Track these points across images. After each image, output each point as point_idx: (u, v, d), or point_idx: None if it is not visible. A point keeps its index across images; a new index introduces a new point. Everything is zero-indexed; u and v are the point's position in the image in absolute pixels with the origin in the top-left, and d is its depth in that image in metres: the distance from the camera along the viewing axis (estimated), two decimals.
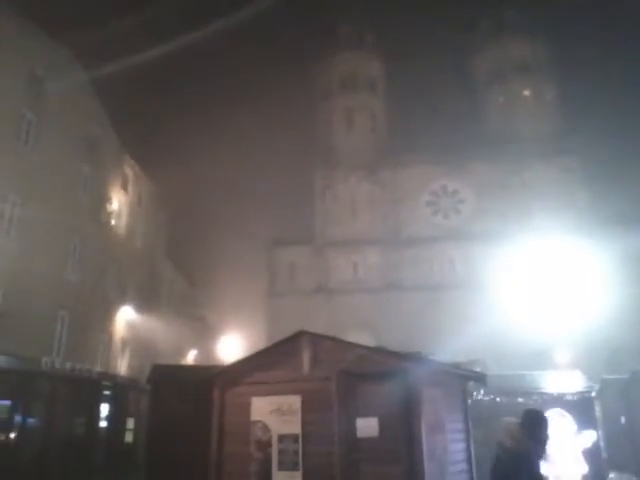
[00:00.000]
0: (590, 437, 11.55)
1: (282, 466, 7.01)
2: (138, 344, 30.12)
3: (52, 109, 21.32)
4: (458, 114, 43.22)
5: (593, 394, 12.78)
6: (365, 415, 6.62)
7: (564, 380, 14.82)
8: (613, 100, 46.03)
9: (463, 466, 7.47)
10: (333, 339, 7.30)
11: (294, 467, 6.91)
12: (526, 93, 41.91)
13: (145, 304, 30.82)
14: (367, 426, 6.56)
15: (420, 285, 38.11)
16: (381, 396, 6.60)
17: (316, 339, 7.26)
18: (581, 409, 12.01)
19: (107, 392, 18.45)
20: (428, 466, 6.23)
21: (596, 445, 11.59)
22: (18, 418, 15.31)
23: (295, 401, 7.10)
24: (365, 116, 43.08)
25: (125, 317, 28.29)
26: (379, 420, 6.52)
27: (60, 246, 21.77)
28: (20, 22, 19.81)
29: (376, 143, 42.56)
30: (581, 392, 12.69)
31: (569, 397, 12.39)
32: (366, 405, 6.65)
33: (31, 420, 15.43)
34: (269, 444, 7.17)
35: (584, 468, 11.40)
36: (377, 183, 41.03)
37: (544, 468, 11.30)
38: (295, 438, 7.00)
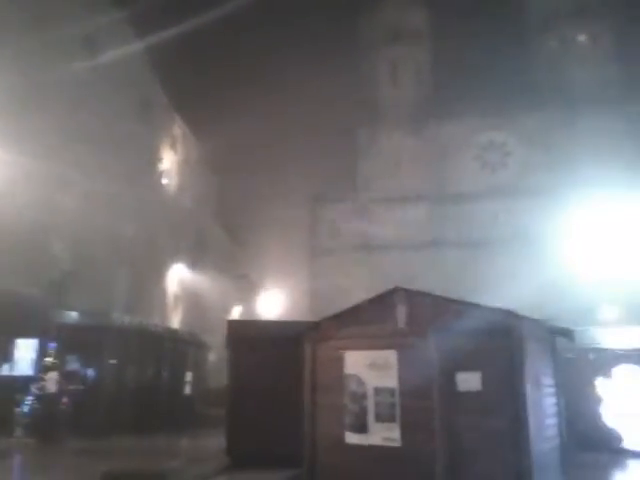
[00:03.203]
0: None
1: (379, 417, 7.15)
2: (189, 300, 30.92)
3: (105, 70, 21.39)
4: (507, 63, 41.59)
5: None
6: (465, 369, 6.65)
7: (627, 336, 14.66)
8: None
9: (554, 420, 7.51)
10: (430, 295, 7.30)
11: (391, 419, 7.05)
12: (581, 39, 39.96)
13: (194, 262, 31.45)
14: (468, 380, 6.61)
15: (464, 241, 37.70)
16: (481, 351, 6.62)
17: (412, 295, 7.28)
18: None
19: (170, 346, 19.10)
20: (531, 420, 6.27)
21: None
22: (92, 370, 16.06)
23: (391, 356, 7.19)
24: (410, 68, 41.91)
25: (177, 274, 28.98)
26: (481, 374, 6.55)
27: (117, 206, 22.19)
28: None
29: (421, 96, 41.49)
30: None
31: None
32: (466, 360, 6.69)
33: (103, 371, 16.14)
34: (364, 397, 7.31)
35: None
36: (422, 138, 40.19)
37: (618, 422, 11.34)
38: (392, 391, 7.11)
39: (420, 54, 42.43)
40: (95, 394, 15.55)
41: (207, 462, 9.79)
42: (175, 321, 28.99)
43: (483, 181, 39.30)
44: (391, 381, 7.13)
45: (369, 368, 7.33)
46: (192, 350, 20.95)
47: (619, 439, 11.33)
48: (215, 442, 12.32)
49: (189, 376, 20.66)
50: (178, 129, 29.36)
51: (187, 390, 20.39)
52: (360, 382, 7.39)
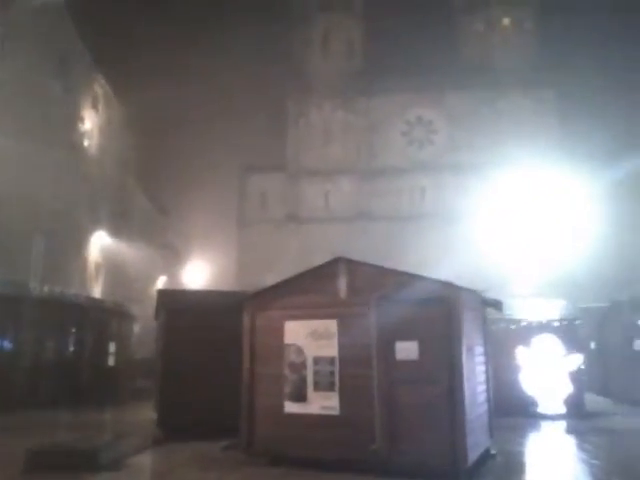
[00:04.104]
0: (576, 360, 12.27)
1: (318, 386, 7.19)
2: (111, 269, 29.80)
3: (21, 23, 19.75)
4: (437, 42, 42.24)
5: (578, 322, 13.48)
6: (404, 339, 6.79)
7: (545, 308, 15.59)
8: (591, 35, 45.80)
9: (484, 386, 7.84)
10: (372, 265, 7.34)
11: (330, 388, 7.10)
12: (505, 22, 41.25)
13: (117, 230, 30.24)
14: (406, 349, 6.75)
15: (390, 215, 38.48)
16: (421, 321, 6.76)
17: (353, 265, 7.29)
18: (567, 334, 12.67)
19: (92, 316, 18.36)
20: (466, 387, 6.50)
21: (580, 368, 12.34)
22: (8, 342, 15.17)
23: (331, 325, 7.20)
24: (341, 40, 41.72)
25: (98, 242, 27.77)
26: (419, 343, 6.70)
27: (33, 167, 20.78)
28: None
29: (352, 69, 41.49)
30: (568, 319, 13.37)
31: (557, 323, 13.02)
32: (405, 329, 6.81)
33: (21, 343, 15.29)
34: (304, 366, 7.31)
35: (569, 389, 12.18)
36: (352, 111, 40.34)
37: (534, 388, 12.05)
38: (331, 360, 7.15)
39: (351, 25, 42.28)
40: (12, 367, 14.74)
41: (137, 435, 9.52)
42: (97, 291, 27.88)
43: (410, 156, 40.12)
44: (331, 350, 7.17)
45: (309, 337, 7.33)
46: (116, 320, 20.26)
47: (535, 404, 12.10)
48: (142, 414, 12.05)
49: (113, 347, 20.01)
50: (100, 88, 27.69)
51: (111, 362, 19.76)
52: (299, 351, 7.38)
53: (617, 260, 31.56)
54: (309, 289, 7.46)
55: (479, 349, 7.73)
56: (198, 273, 41.56)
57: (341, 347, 7.12)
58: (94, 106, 27.08)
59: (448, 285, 6.85)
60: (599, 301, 17.84)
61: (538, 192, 32.64)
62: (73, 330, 17.44)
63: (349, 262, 7.31)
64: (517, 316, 13.96)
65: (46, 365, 15.80)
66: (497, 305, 8.60)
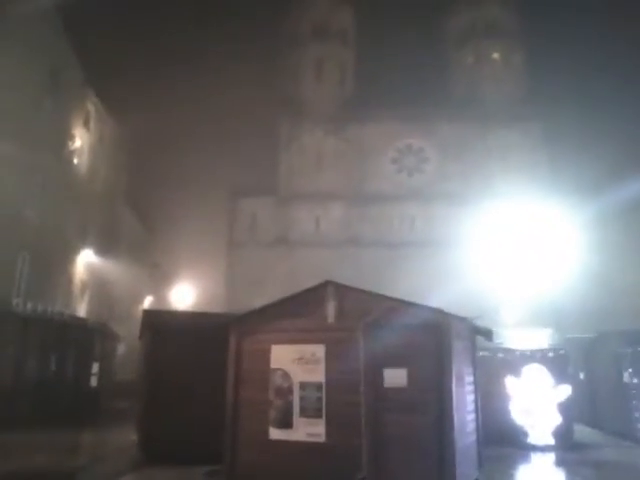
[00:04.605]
0: (565, 391, 12.16)
1: (304, 413, 7.03)
2: (96, 288, 29.40)
3: (11, 34, 19.67)
4: (428, 72, 42.95)
5: (564, 352, 13.40)
6: (393, 366, 6.67)
7: (533, 337, 15.55)
8: (577, 69, 46.85)
9: (473, 415, 7.71)
10: (361, 290, 7.25)
11: (317, 414, 6.94)
12: (495, 56, 41.97)
13: (104, 248, 29.92)
14: (395, 377, 6.63)
15: (379, 241, 38.49)
16: (410, 348, 6.66)
17: (342, 289, 7.20)
18: (557, 365, 12.57)
19: (75, 335, 18.06)
20: (455, 417, 6.38)
21: (569, 399, 12.23)
22: None
23: (318, 350, 7.08)
24: (335, 67, 42.20)
25: (85, 260, 27.41)
26: (408, 371, 6.59)
27: (21, 183, 20.56)
28: None
29: (344, 96, 41.92)
30: (556, 349, 13.30)
31: (546, 354, 12.93)
32: (394, 356, 6.70)
33: (0, 360, 14.92)
34: (290, 391, 7.16)
35: (558, 420, 12.05)
36: (343, 137, 40.58)
37: (524, 418, 11.91)
38: (318, 386, 7.00)
39: (345, 54, 42.87)
40: None
41: (117, 458, 9.26)
42: (82, 310, 27.43)
43: (400, 183, 40.33)
44: (318, 376, 7.03)
45: (296, 362, 7.19)
46: (100, 340, 19.95)
47: (525, 435, 11.93)
48: (123, 437, 11.74)
49: (96, 367, 19.67)
50: (92, 106, 27.61)
51: (93, 382, 19.40)
52: (286, 376, 7.23)
53: (602, 289, 31.74)
54: (297, 313, 7.34)
55: (469, 378, 7.62)
56: (186, 294, 41.10)
57: (328, 373, 6.99)
58: (85, 124, 26.96)
59: (438, 312, 6.77)
60: (585, 331, 17.79)
61: (526, 223, 32.85)
62: (56, 349, 17.08)
63: (338, 286, 7.22)
64: (507, 345, 13.90)
65: (26, 384, 15.42)
66: (487, 334, 8.52)
